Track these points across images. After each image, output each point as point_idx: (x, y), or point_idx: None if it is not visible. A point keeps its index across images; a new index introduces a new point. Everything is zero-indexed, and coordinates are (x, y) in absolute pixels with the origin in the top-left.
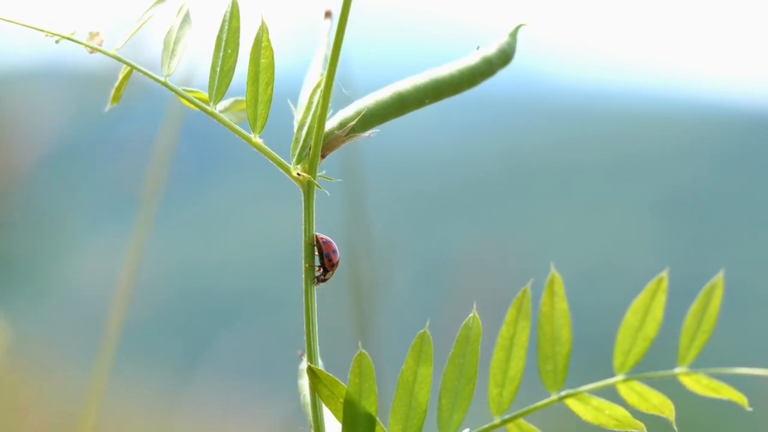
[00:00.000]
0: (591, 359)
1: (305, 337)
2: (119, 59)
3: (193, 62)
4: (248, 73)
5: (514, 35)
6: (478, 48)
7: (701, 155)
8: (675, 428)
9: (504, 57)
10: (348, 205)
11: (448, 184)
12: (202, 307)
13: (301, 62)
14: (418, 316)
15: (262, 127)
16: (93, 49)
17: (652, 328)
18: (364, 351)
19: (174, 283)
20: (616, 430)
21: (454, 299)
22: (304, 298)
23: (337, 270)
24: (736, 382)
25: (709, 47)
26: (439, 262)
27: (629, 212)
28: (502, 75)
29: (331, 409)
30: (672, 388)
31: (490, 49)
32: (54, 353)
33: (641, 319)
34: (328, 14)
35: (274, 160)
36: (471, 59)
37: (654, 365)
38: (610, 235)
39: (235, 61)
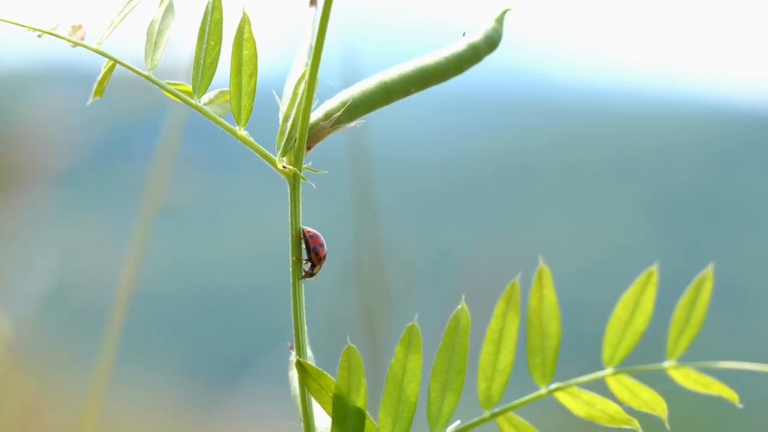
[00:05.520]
0: (592, 360)
1: (293, 330)
2: (102, 53)
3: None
4: (231, 65)
5: (500, 21)
6: (464, 35)
7: (701, 155)
8: (667, 426)
9: (490, 43)
10: (356, 205)
11: (449, 184)
12: (204, 306)
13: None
14: (421, 315)
15: (247, 120)
16: (75, 44)
17: (641, 321)
18: (352, 345)
19: (175, 283)
20: (608, 425)
21: (455, 298)
22: (291, 292)
23: (328, 266)
24: (733, 382)
25: (709, 47)
26: (441, 261)
27: (629, 212)
28: (502, 76)
29: (320, 403)
30: (670, 389)
31: (476, 35)
32: (55, 352)
33: (631, 312)
34: (313, 2)
35: (260, 152)
36: (457, 46)
37: (651, 363)
38: (610, 235)
39: (219, 53)
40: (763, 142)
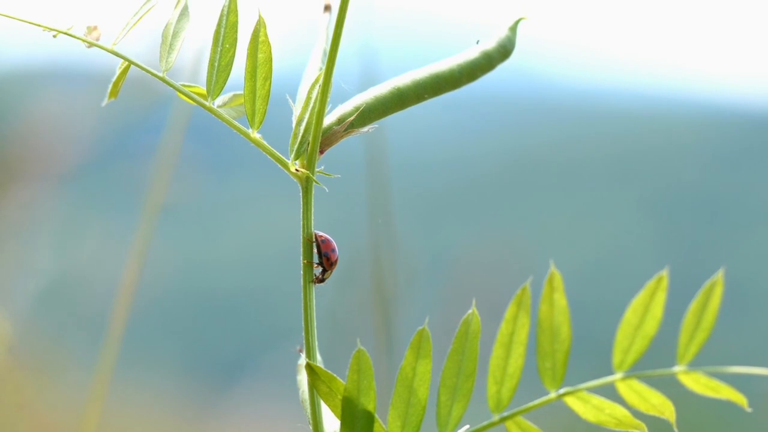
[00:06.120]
0: (593, 360)
1: (304, 333)
2: (117, 54)
3: (201, 57)
4: (246, 68)
5: (513, 29)
6: (477, 42)
7: (701, 155)
8: (676, 430)
9: (503, 51)
10: (370, 207)
11: (449, 183)
12: (205, 306)
13: (305, 61)
14: (421, 315)
15: (260, 123)
16: (90, 44)
17: (651, 326)
18: (362, 348)
19: (177, 282)
20: (616, 429)
21: (456, 298)
22: (302, 295)
23: (339, 269)
24: (736, 383)
25: (709, 47)
26: (442, 260)
27: (629, 212)
28: (504, 76)
29: (329, 406)
30: (675, 391)
31: (489, 43)
32: (57, 352)
33: (641, 317)
34: (327, 8)
35: (272, 155)
36: (470, 53)
37: (657, 367)
38: (610, 235)
39: (233, 56)
40: (763, 142)
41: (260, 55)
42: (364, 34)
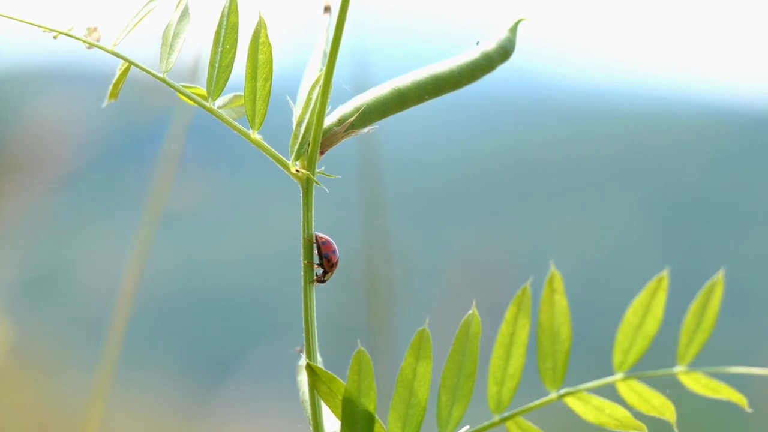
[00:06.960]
0: (593, 361)
1: (304, 334)
2: (117, 55)
3: (200, 58)
4: (246, 69)
5: (513, 30)
6: (477, 43)
7: (701, 155)
8: (676, 431)
9: (503, 52)
10: (365, 207)
11: (449, 183)
12: (206, 307)
13: (303, 61)
14: (421, 315)
15: (261, 124)
16: (90, 45)
17: (652, 326)
18: (362, 348)
19: (178, 284)
20: (617, 430)
21: (455, 298)
22: (303, 295)
23: (336, 270)
24: (736, 383)
25: (709, 47)
26: (442, 261)
27: (629, 212)
28: (503, 76)
29: (329, 407)
30: (676, 392)
31: (489, 44)
32: (58, 352)
33: (641, 317)
34: (327, 9)
35: (273, 156)
36: (470, 54)
37: (657, 367)
38: (610, 235)
39: (234, 56)
40: (763, 142)
41: (261, 56)
42: (356, 34)
